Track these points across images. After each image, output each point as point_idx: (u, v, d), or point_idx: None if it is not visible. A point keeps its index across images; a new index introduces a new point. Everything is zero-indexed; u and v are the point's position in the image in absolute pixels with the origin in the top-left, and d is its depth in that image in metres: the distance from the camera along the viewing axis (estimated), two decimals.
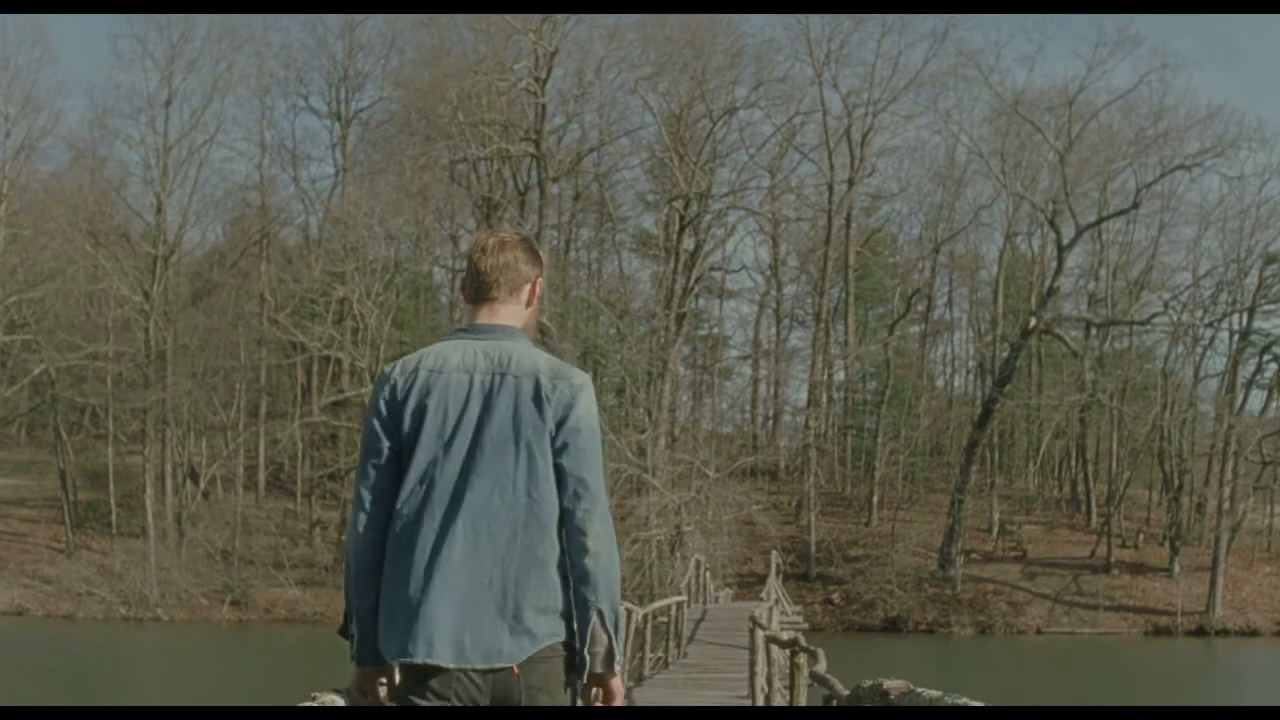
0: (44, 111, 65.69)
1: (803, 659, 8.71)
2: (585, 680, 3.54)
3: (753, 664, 14.54)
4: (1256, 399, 67.08)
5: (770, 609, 24.72)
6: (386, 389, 3.65)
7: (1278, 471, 61.97)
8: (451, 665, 3.40)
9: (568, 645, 3.51)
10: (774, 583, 40.12)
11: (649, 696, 15.78)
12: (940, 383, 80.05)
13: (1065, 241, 60.72)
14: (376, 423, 3.64)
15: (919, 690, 3.97)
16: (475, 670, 3.41)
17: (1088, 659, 42.69)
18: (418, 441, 3.56)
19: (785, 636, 11.12)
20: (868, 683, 4.57)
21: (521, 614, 3.44)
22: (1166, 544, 59.70)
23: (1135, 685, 34.31)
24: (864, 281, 72.87)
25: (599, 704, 3.55)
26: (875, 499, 64.49)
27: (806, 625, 34.18)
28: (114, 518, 60.05)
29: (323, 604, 55.03)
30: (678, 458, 54.46)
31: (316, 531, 61.36)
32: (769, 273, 73.51)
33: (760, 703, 13.06)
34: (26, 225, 61.14)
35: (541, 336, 57.87)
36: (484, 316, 3.78)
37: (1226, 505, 58.45)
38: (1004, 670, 38.26)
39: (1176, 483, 61.99)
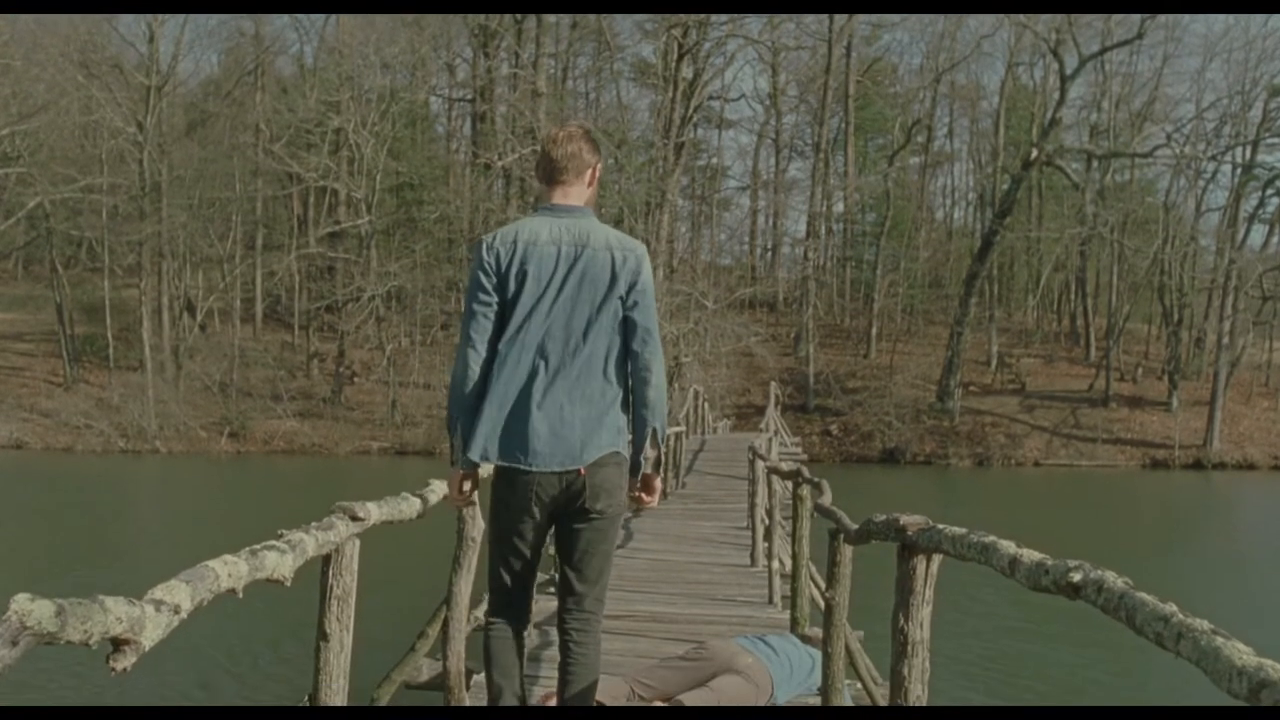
0: None
1: (805, 491, 8.50)
2: (639, 479, 4.69)
3: (752, 495, 14.41)
4: (1258, 233, 66.95)
5: (769, 440, 24.64)
6: (490, 254, 4.60)
7: (1277, 307, 61.86)
8: (533, 469, 4.47)
9: (621, 453, 4.58)
10: (773, 414, 40.13)
11: (646, 527, 15.71)
12: (940, 215, 79.77)
13: (1068, 72, 59.70)
14: (483, 278, 4.59)
15: (939, 526, 3.71)
16: (551, 472, 4.47)
17: (1085, 491, 42.92)
18: (518, 298, 4.52)
19: (786, 468, 10.91)
20: (880, 517, 4.31)
21: (587, 432, 4.47)
22: (1165, 378, 59.83)
23: (1132, 518, 34.47)
24: (864, 112, 72.00)
25: (644, 495, 4.72)
26: (874, 331, 64.53)
27: (805, 456, 34.16)
28: (111, 351, 60.01)
29: (321, 435, 55.25)
30: (676, 289, 54.18)
31: (314, 364, 61.40)
32: (768, 102, 72.75)
33: (760, 535, 12.95)
34: (17, 56, 59.96)
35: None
36: (558, 197, 4.70)
37: (1226, 340, 58.37)
38: (1003, 502, 38.41)
39: (1176, 317, 61.97)
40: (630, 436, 4.64)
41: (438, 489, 5.08)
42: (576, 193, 4.70)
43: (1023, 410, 58.71)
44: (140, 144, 59.36)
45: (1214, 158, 64.31)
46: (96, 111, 59.59)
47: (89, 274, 64.66)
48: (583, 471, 4.46)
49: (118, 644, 1.95)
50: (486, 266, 4.57)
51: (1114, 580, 2.45)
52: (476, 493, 4.97)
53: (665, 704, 6.02)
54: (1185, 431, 56.06)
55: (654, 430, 4.56)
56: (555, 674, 5.26)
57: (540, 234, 4.56)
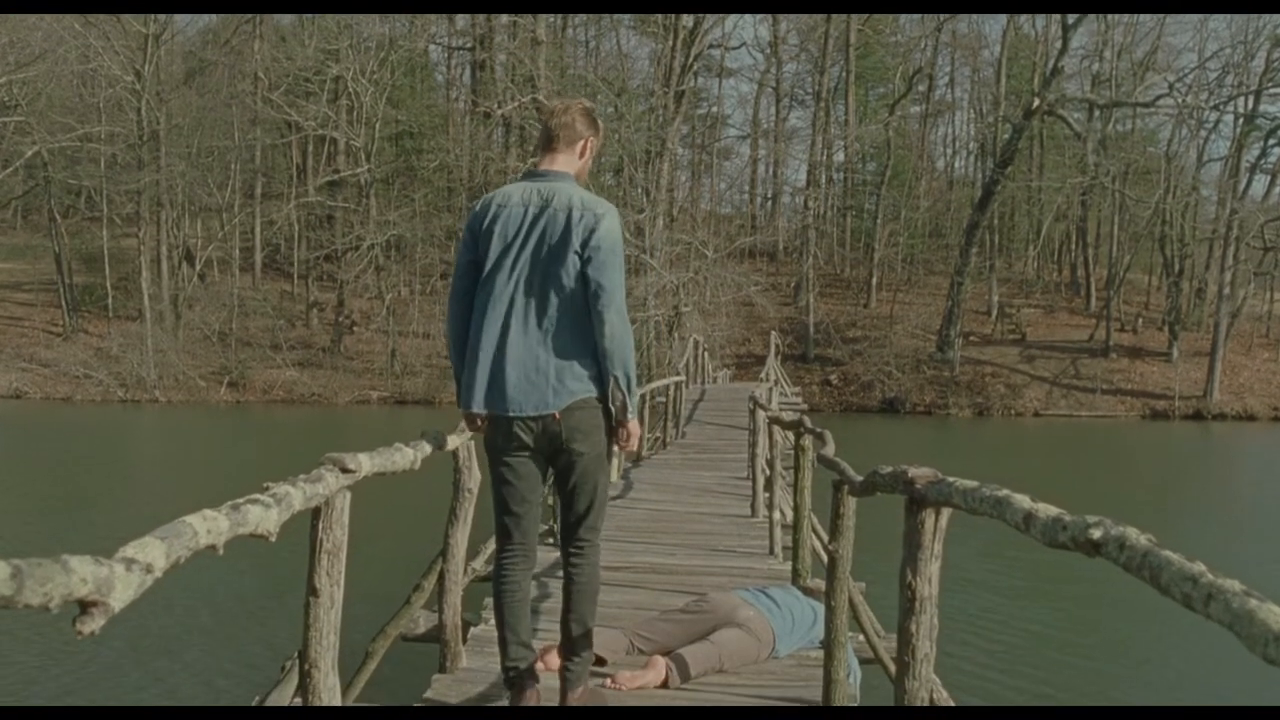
0: None
1: (808, 441, 8.39)
2: (615, 424, 4.95)
3: (753, 445, 14.33)
4: (1260, 184, 66.69)
5: (770, 390, 24.58)
6: (472, 217, 5.07)
7: (1278, 257, 61.68)
8: (510, 414, 4.84)
9: (599, 399, 4.87)
10: (773, 363, 40.04)
11: (645, 477, 15.63)
12: (941, 164, 79.59)
13: (1070, 20, 59.20)
14: (466, 236, 5.06)
15: (949, 479, 3.59)
16: (528, 417, 4.83)
17: (1085, 441, 42.91)
18: (488, 256, 4.91)
19: (787, 418, 10.81)
20: (886, 469, 4.19)
21: (559, 379, 4.79)
22: (1165, 328, 59.75)
23: (1132, 467, 34.44)
24: (865, 60, 71.57)
25: (626, 442, 4.99)
26: (874, 281, 64.42)
27: (805, 406, 34.08)
28: (110, 301, 59.93)
29: (320, 384, 55.21)
30: (676, 238, 54.01)
31: (314, 313, 61.29)
32: (769, 50, 72.26)
33: (760, 485, 12.87)
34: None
35: (539, 115, 56.95)
36: (545, 163, 5.06)
37: (1226, 290, 58.20)
38: (1003, 452, 38.39)
39: (1177, 267, 61.83)
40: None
41: (431, 441, 5.20)
42: (564, 161, 5.04)
43: (1023, 360, 58.65)
44: (138, 92, 59.02)
45: (1216, 108, 64.01)
46: (94, 60, 59.21)
47: (87, 223, 64.50)
48: (557, 416, 4.81)
49: (85, 606, 1.84)
50: (470, 227, 5.03)
51: (1136, 537, 2.34)
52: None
53: (664, 657, 5.94)
54: (1185, 382, 56.00)
55: (615, 378, 4.82)
56: (555, 626, 5.79)
57: (513, 196, 4.96)
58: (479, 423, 5.03)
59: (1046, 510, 2.77)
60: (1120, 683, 11.57)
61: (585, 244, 4.77)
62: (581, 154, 5.10)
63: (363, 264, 58.65)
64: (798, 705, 5.67)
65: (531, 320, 4.81)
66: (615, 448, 5.07)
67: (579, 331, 4.80)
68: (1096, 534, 2.45)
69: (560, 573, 5.31)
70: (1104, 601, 14.74)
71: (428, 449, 5.09)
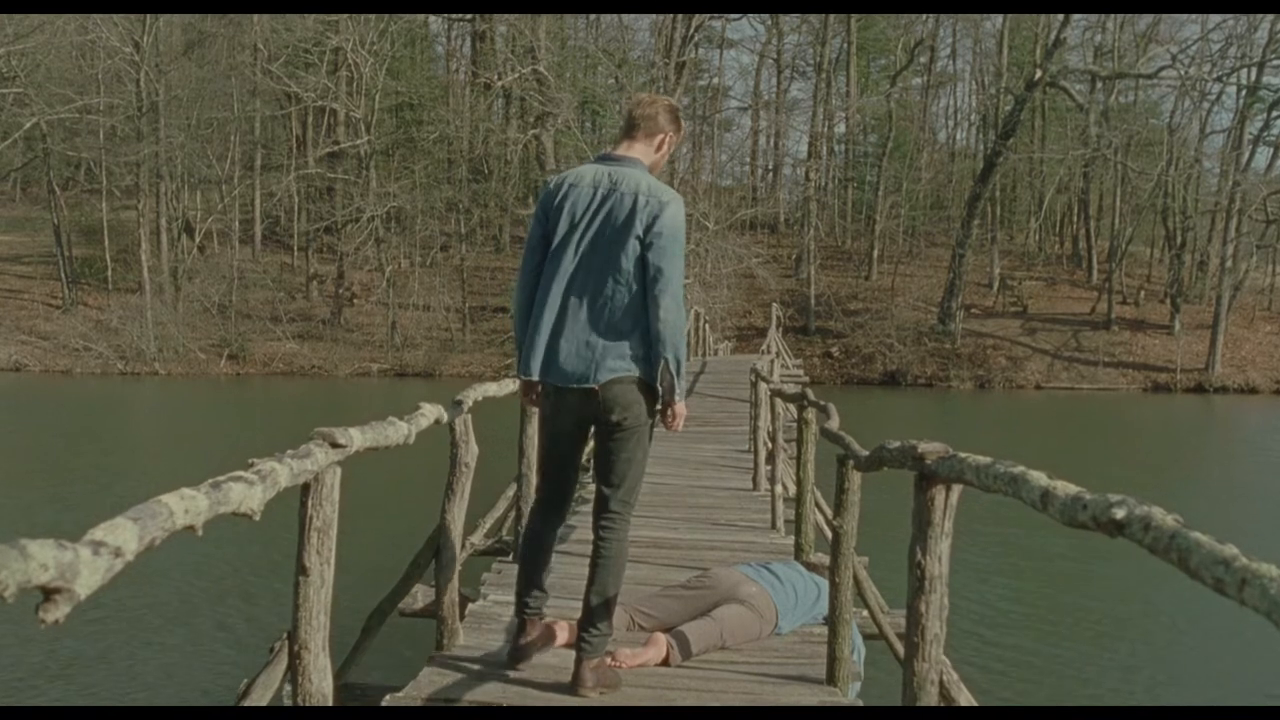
0: None
1: (811, 414, 8.27)
2: (660, 405, 5.18)
3: (755, 418, 14.21)
4: (1263, 156, 66.50)
5: (771, 362, 24.44)
6: (545, 194, 5.28)
7: None
8: (559, 384, 5.12)
9: (640, 379, 5.07)
10: (774, 336, 39.93)
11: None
12: (942, 136, 79.30)
13: None
14: (536, 215, 5.28)
15: (960, 455, 3.47)
16: (573, 388, 5.08)
17: (1087, 414, 42.83)
18: (556, 233, 5.13)
19: (789, 390, 10.69)
20: (894, 444, 4.07)
21: (604, 356, 5.02)
22: (1167, 301, 59.58)
23: (1134, 440, 34.33)
24: (866, 32, 71.19)
25: (672, 421, 5.19)
26: (875, 253, 64.25)
27: (807, 378, 33.97)
28: (110, 273, 59.80)
29: (320, 356, 55.12)
30: None
31: (313, 285, 61.13)
32: (769, 21, 71.83)
33: (762, 459, 12.77)
34: None
35: (539, 86, 56.81)
36: (622, 149, 5.27)
37: (1229, 263, 58.07)
38: (1005, 425, 38.30)
39: (1179, 240, 61.62)
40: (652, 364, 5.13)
41: (429, 413, 5.24)
42: (640, 150, 5.26)
43: (1024, 333, 58.53)
44: (137, 64, 58.80)
45: (1219, 79, 63.67)
46: (93, 31, 58.99)
47: (87, 195, 64.29)
48: (597, 390, 5.05)
49: (48, 593, 1.73)
50: (543, 203, 5.26)
51: (1163, 517, 2.22)
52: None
53: (666, 634, 5.84)
54: (1187, 355, 55.87)
55: (665, 360, 5.03)
56: (563, 600, 6.26)
57: (585, 177, 5.17)
58: (535, 391, 5.31)
59: (1065, 488, 2.65)
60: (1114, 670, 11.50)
61: (648, 229, 4.99)
62: (659, 148, 5.32)
63: (363, 236, 58.50)
64: (801, 680, 5.57)
65: (588, 297, 5.05)
66: (659, 427, 5.28)
67: (631, 312, 5.02)
68: (1120, 513, 2.33)
69: (580, 549, 5.63)
70: (1071, 577, 14.68)
71: (423, 423, 5.00)
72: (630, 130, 5.31)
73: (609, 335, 5.03)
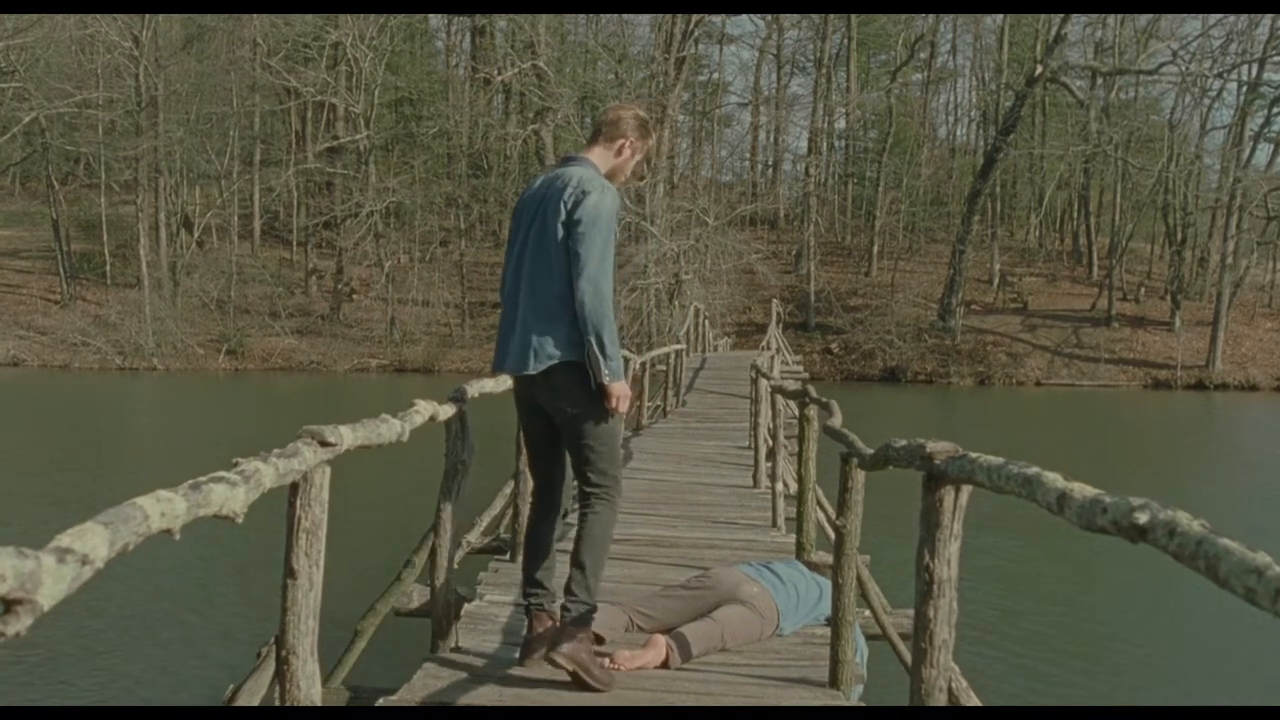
0: None
1: (812, 411, 8.16)
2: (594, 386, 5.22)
3: (755, 414, 14.11)
4: (1263, 152, 66.49)
5: (771, 358, 24.37)
6: (518, 201, 5.55)
7: None
8: (514, 374, 5.34)
9: (575, 363, 5.16)
10: (774, 332, 39.83)
11: (645, 446, 15.43)
12: (942, 132, 79.28)
13: None
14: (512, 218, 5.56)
15: (971, 454, 3.35)
16: (523, 376, 5.27)
17: (1087, 411, 42.72)
18: (512, 233, 5.47)
19: (789, 386, 10.58)
20: (900, 442, 3.96)
21: (540, 344, 5.18)
22: (1168, 298, 59.54)
23: (1134, 437, 34.24)
24: (866, 27, 71.15)
25: (613, 405, 5.22)
26: (875, 249, 64.20)
27: (807, 375, 33.87)
28: (108, 268, 59.75)
29: (319, 352, 55.05)
30: (676, 205, 53.79)
31: (312, 280, 61.05)
32: (770, 17, 71.68)
33: (762, 456, 12.67)
34: None
35: (539, 81, 56.65)
36: (583, 152, 5.48)
37: (1229, 260, 58.02)
38: (1005, 421, 38.17)
39: (1179, 236, 61.54)
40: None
41: (423, 410, 5.17)
42: (598, 153, 5.46)
43: (1024, 329, 58.45)
44: (136, 58, 58.71)
45: (1220, 75, 63.55)
46: (92, 25, 58.95)
47: (86, 190, 64.21)
48: (540, 378, 5.23)
49: (8, 604, 1.62)
50: (513, 211, 5.56)
51: (1188, 522, 2.10)
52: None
53: (665, 635, 5.74)
54: (1187, 352, 55.80)
55: (588, 341, 5.10)
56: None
57: (537, 181, 5.50)
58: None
59: (1083, 490, 2.53)
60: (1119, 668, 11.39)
61: (570, 216, 5.14)
62: (619, 152, 5.50)
63: (362, 231, 58.40)
64: (803, 683, 5.47)
65: (529, 289, 5.24)
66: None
67: (563, 300, 5.15)
68: (1142, 518, 2.22)
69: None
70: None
71: (417, 420, 4.89)
72: (594, 135, 5.55)
73: (545, 323, 5.18)
